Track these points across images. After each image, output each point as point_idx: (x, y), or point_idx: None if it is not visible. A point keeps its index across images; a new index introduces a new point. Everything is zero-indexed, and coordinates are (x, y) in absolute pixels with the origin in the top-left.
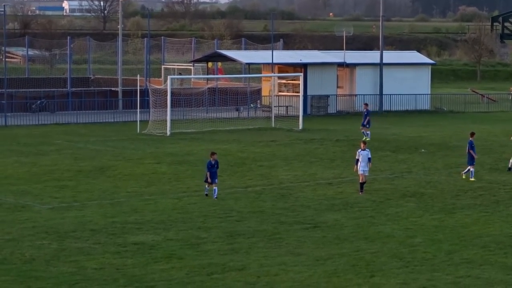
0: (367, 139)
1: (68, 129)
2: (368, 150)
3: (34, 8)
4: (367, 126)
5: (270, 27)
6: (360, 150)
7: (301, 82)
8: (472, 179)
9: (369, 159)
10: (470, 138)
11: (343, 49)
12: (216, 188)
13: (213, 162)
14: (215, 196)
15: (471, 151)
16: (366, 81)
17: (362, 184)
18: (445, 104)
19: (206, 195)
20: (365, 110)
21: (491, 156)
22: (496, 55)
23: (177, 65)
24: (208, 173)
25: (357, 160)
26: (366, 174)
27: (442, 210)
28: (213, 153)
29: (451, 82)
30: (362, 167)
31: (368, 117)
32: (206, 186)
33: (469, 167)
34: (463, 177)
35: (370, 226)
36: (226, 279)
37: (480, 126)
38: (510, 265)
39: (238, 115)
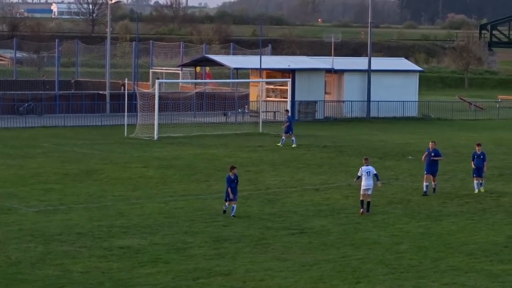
0: (291, 146)
1: (55, 132)
2: (372, 166)
3: (22, 10)
4: (289, 133)
5: (259, 32)
6: (363, 166)
7: (289, 87)
8: (476, 191)
9: (376, 175)
10: (475, 149)
11: (331, 55)
12: (235, 205)
13: (232, 177)
14: (233, 214)
15: (472, 162)
16: (354, 87)
17: (363, 202)
18: (432, 111)
19: (224, 211)
20: (286, 116)
21: None
22: (484, 63)
23: (165, 69)
24: (229, 189)
25: (358, 176)
26: (369, 192)
27: (429, 217)
28: (232, 167)
29: (438, 89)
30: (365, 185)
31: (288, 123)
32: (226, 204)
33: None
34: (481, 191)
35: (356, 233)
36: (212, 284)
37: (467, 133)
38: (495, 272)
39: (226, 120)
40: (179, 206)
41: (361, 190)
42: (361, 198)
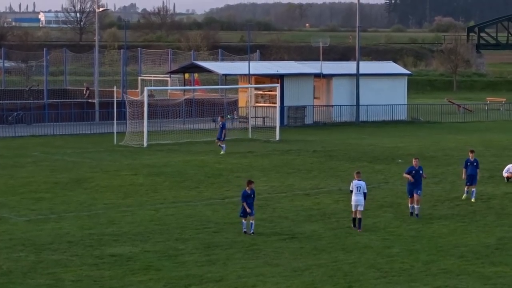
0: (222, 153)
1: (45, 141)
2: (363, 181)
3: (10, 19)
4: (222, 139)
5: (247, 38)
6: (355, 180)
7: (277, 93)
8: (464, 196)
9: (364, 194)
10: (468, 156)
11: (319, 60)
12: (253, 222)
13: (249, 192)
14: (252, 231)
15: (464, 170)
16: (343, 91)
17: (354, 219)
18: (421, 114)
19: (245, 232)
20: (220, 122)
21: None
22: (472, 65)
23: (154, 76)
24: (244, 204)
25: (351, 191)
26: (361, 209)
27: (419, 221)
28: (250, 182)
29: (427, 92)
30: (355, 201)
31: (224, 130)
32: (243, 220)
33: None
34: (472, 201)
35: (347, 237)
36: None
37: (457, 136)
38: (487, 274)
39: (215, 126)
40: (170, 213)
41: (352, 206)
42: (353, 216)
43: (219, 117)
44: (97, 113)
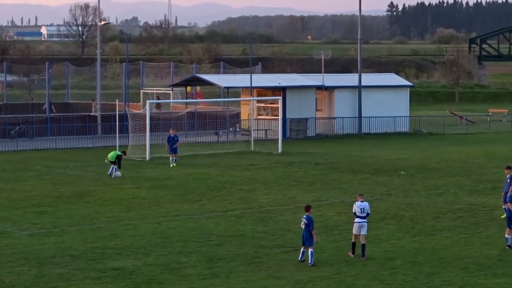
0: (174, 165)
1: (47, 154)
2: (366, 202)
3: (12, 33)
4: (175, 152)
5: (249, 50)
6: (357, 201)
7: (280, 105)
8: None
9: (367, 214)
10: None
11: (321, 72)
12: (312, 250)
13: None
14: (311, 262)
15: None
16: (345, 103)
17: (354, 245)
18: (424, 126)
19: (303, 260)
20: (173, 135)
21: (471, 177)
22: (474, 76)
23: (156, 90)
24: (304, 235)
25: (354, 213)
26: (364, 232)
27: (422, 232)
28: (308, 207)
29: (429, 104)
30: (358, 223)
31: (176, 143)
32: (302, 249)
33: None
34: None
35: (350, 249)
36: None
37: (459, 147)
38: (490, 286)
39: (217, 139)
40: (173, 226)
41: (354, 229)
42: (353, 240)
43: (170, 130)
44: (99, 126)
